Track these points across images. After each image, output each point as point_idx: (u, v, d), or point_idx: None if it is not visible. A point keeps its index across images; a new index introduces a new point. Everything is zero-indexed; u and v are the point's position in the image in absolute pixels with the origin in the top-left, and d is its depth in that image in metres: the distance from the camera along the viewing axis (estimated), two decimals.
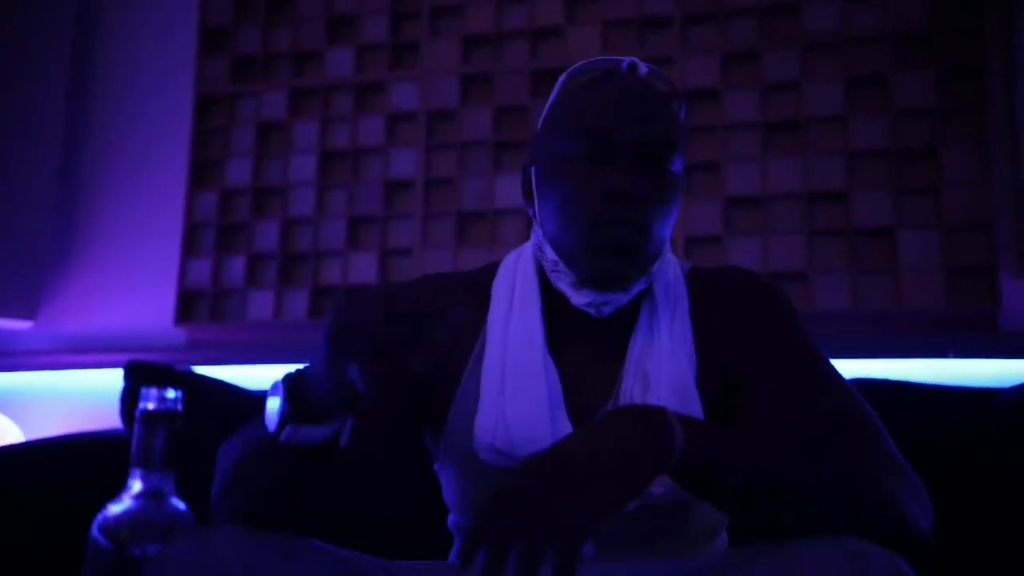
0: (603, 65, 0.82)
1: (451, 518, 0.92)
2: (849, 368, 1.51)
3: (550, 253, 0.83)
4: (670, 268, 0.87)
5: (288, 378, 0.68)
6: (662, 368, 0.81)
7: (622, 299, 0.81)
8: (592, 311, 0.81)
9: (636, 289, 0.81)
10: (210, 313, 1.95)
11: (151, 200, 2.09)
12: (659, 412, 0.66)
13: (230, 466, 0.74)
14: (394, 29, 2.01)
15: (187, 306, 1.98)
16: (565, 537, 0.59)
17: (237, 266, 1.97)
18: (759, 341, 0.83)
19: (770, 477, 0.67)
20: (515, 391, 0.81)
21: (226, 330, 1.95)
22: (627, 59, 0.82)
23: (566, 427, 0.80)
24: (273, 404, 0.68)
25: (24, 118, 2.08)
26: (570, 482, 0.61)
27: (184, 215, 2.01)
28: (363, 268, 1.90)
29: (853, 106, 1.71)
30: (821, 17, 1.75)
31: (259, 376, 1.79)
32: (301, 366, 0.70)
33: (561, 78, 0.86)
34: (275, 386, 0.69)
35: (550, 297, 0.86)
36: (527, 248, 0.90)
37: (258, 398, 1.50)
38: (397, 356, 0.63)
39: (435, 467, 0.90)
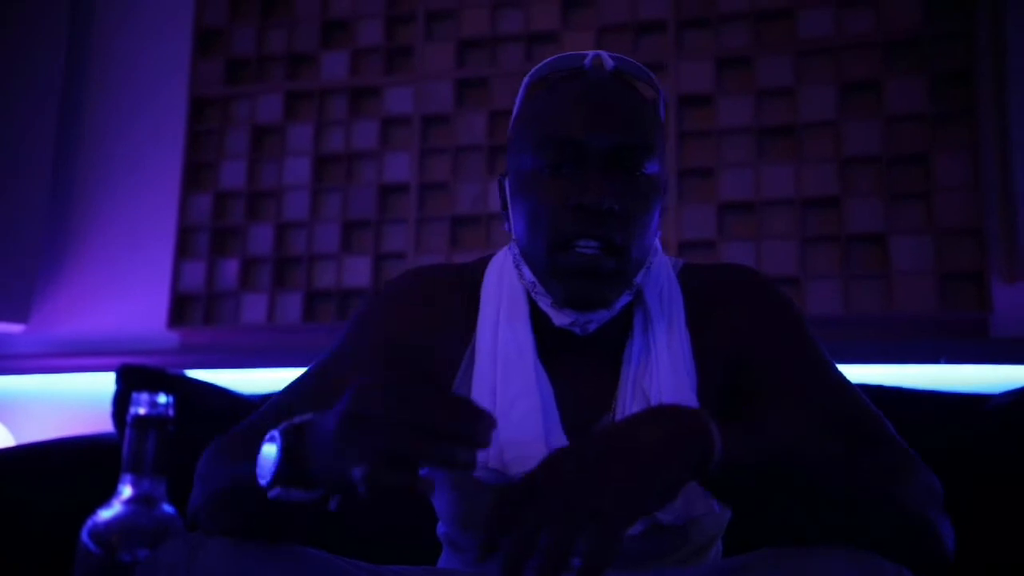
0: (566, 63, 0.78)
1: (440, 526, 0.91)
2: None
3: (527, 273, 0.78)
4: (662, 272, 0.83)
5: (287, 434, 0.63)
6: (662, 386, 0.77)
7: (607, 316, 0.76)
8: (576, 330, 0.76)
9: (621, 303, 0.76)
10: (203, 316, 1.95)
11: (144, 203, 2.09)
12: (696, 414, 0.62)
13: (212, 489, 0.71)
14: (389, 33, 2.01)
15: (180, 309, 1.97)
16: (603, 523, 0.55)
17: (230, 269, 1.97)
18: (763, 344, 0.79)
19: (808, 487, 0.63)
20: (507, 409, 0.77)
21: (219, 333, 1.95)
22: (591, 52, 0.77)
23: (562, 444, 0.76)
24: (268, 456, 0.63)
25: (17, 120, 2.07)
26: (611, 470, 0.57)
27: (177, 218, 2.01)
28: (357, 272, 1.90)
29: (846, 111, 1.71)
30: (814, 23, 1.75)
31: (252, 380, 1.78)
32: (302, 420, 0.64)
33: (524, 81, 0.81)
34: (272, 436, 0.63)
35: (536, 308, 0.81)
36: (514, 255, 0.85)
37: (251, 402, 1.50)
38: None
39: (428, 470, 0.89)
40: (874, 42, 1.71)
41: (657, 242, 0.81)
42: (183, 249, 2.00)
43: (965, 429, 1.31)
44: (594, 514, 0.55)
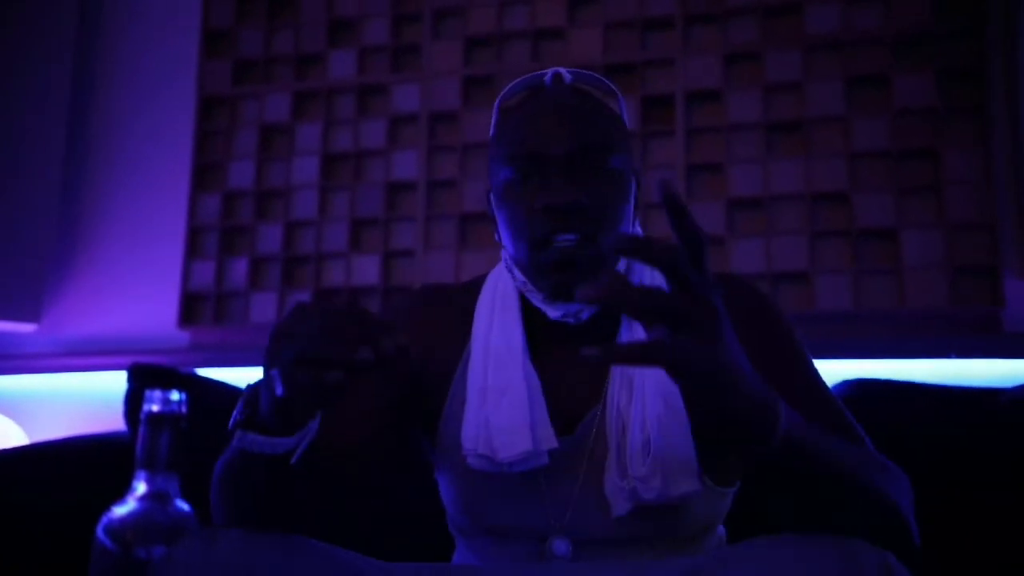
0: (528, 83, 0.86)
1: (450, 520, 0.93)
2: (852, 369, 1.51)
3: (519, 275, 0.85)
4: (646, 269, 0.86)
5: (249, 385, 0.68)
6: (647, 375, 0.81)
7: (595, 309, 0.81)
8: (571, 320, 0.82)
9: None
10: (213, 315, 1.95)
11: (153, 203, 2.09)
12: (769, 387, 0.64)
13: (216, 475, 0.74)
14: (395, 31, 2.01)
15: (190, 309, 1.98)
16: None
17: (240, 268, 1.97)
18: (750, 348, 0.81)
19: (842, 475, 0.67)
20: (496, 399, 0.82)
21: (229, 332, 1.96)
22: (552, 70, 0.85)
23: (548, 434, 0.81)
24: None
25: (27, 121, 2.08)
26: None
27: (187, 218, 2.02)
28: (365, 270, 1.90)
29: (855, 106, 1.71)
30: (822, 18, 1.75)
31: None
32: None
33: (495, 104, 0.89)
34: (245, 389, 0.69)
35: (530, 307, 0.86)
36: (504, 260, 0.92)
37: None
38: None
39: (435, 473, 0.92)
40: (883, 37, 1.70)
41: (639, 230, 0.88)
42: (192, 249, 2.00)
43: (977, 424, 1.31)
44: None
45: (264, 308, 1.93)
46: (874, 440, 0.84)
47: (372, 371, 0.59)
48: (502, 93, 0.88)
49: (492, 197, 0.88)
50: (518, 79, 0.87)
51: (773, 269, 1.68)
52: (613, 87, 0.87)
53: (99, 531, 0.62)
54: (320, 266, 1.93)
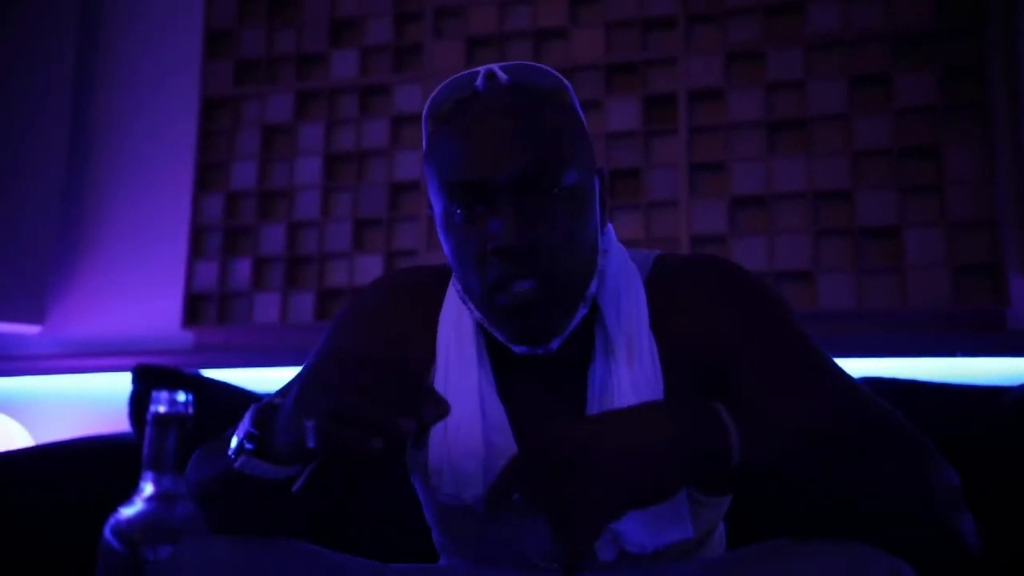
0: (458, 90, 0.73)
1: (435, 536, 0.90)
2: (855, 367, 1.51)
3: (474, 310, 0.75)
4: (620, 275, 0.78)
5: (259, 408, 0.67)
6: (625, 403, 0.73)
7: (563, 334, 0.73)
8: (540, 352, 0.73)
9: (577, 319, 0.73)
10: (217, 316, 1.96)
11: (157, 203, 2.10)
12: (711, 411, 0.60)
13: (201, 489, 0.72)
14: (398, 31, 2.01)
15: (194, 309, 1.99)
16: (579, 525, 0.56)
17: (243, 269, 1.98)
18: (739, 342, 0.75)
19: (828, 487, 0.62)
20: (455, 436, 0.77)
21: (233, 333, 1.96)
22: (484, 69, 0.73)
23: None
24: (239, 430, 0.67)
25: (29, 122, 2.09)
26: (594, 471, 0.57)
27: (190, 218, 2.02)
28: (369, 270, 1.90)
29: (856, 105, 1.71)
30: (824, 16, 1.75)
31: (266, 379, 1.79)
32: (271, 400, 0.68)
33: (424, 112, 0.76)
34: (249, 411, 0.67)
35: (495, 346, 0.78)
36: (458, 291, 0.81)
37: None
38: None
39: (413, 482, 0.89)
40: (884, 35, 1.70)
41: (611, 239, 0.78)
42: (196, 249, 2.01)
43: (982, 422, 1.31)
44: (567, 516, 0.56)
45: (267, 308, 1.94)
46: None
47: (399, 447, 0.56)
48: (429, 99, 0.75)
49: (434, 216, 0.77)
50: (446, 81, 0.74)
51: (775, 268, 1.68)
52: (558, 76, 0.75)
53: (106, 532, 0.62)
54: (323, 266, 1.94)
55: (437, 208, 0.74)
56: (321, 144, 1.99)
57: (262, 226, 1.99)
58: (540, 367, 0.77)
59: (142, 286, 2.06)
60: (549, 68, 0.75)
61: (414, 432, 0.56)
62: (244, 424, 0.67)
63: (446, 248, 0.74)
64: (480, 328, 0.79)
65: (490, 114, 0.70)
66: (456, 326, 0.80)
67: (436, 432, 0.78)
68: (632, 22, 1.86)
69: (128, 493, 0.67)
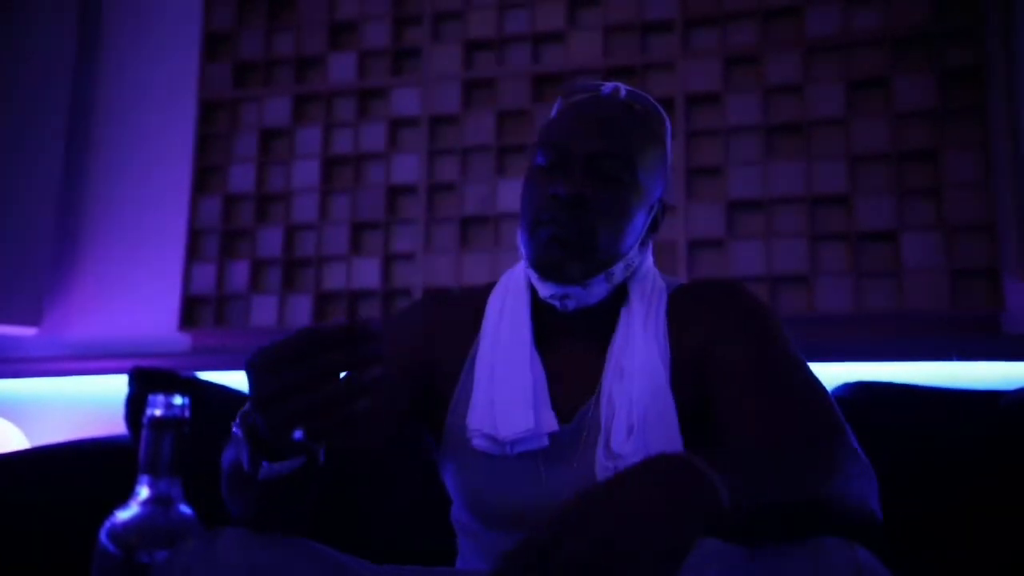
0: (590, 86, 0.94)
1: (452, 511, 0.95)
2: (853, 371, 1.52)
3: (524, 252, 0.89)
4: (649, 278, 0.93)
5: (244, 421, 0.66)
6: (635, 360, 0.86)
7: (584, 296, 0.87)
8: (556, 303, 0.87)
9: (597, 289, 0.87)
10: (214, 319, 1.95)
11: (154, 206, 2.10)
12: (698, 470, 0.59)
13: (223, 478, 0.75)
14: (396, 34, 2.01)
15: (191, 312, 1.98)
16: None
17: (241, 272, 1.97)
18: (729, 344, 0.86)
19: (785, 505, 0.64)
20: (503, 380, 0.87)
21: (230, 335, 1.96)
22: (612, 84, 0.92)
23: (549, 417, 0.85)
24: (239, 446, 0.67)
25: (27, 124, 2.08)
26: (621, 536, 0.53)
27: (188, 221, 2.02)
28: (366, 273, 1.90)
29: (854, 108, 1.71)
30: (822, 20, 1.75)
31: None
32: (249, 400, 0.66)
33: (561, 95, 0.95)
34: (233, 427, 0.67)
35: (539, 302, 0.92)
36: (521, 264, 0.96)
37: None
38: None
39: (440, 468, 0.94)
40: (882, 39, 1.71)
41: (648, 256, 0.94)
42: (193, 252, 2.01)
43: (979, 425, 1.31)
44: None
45: (265, 311, 1.93)
46: (875, 443, 0.84)
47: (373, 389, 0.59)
48: (569, 86, 0.95)
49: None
50: (586, 79, 0.97)
51: (773, 272, 1.68)
52: (662, 113, 0.93)
53: (102, 535, 0.62)
54: (321, 269, 1.94)
55: (531, 163, 0.91)
56: (319, 147, 1.99)
57: (259, 229, 1.99)
58: (571, 334, 0.91)
59: (139, 288, 2.06)
60: (659, 106, 0.94)
61: (369, 389, 0.59)
62: (237, 435, 0.67)
63: (523, 195, 0.90)
64: (531, 291, 0.92)
65: (598, 109, 0.90)
66: (511, 293, 0.94)
67: (482, 376, 0.88)
68: (630, 26, 1.86)
69: (124, 496, 0.66)
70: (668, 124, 0.94)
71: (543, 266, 0.86)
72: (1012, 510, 1.24)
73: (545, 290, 0.87)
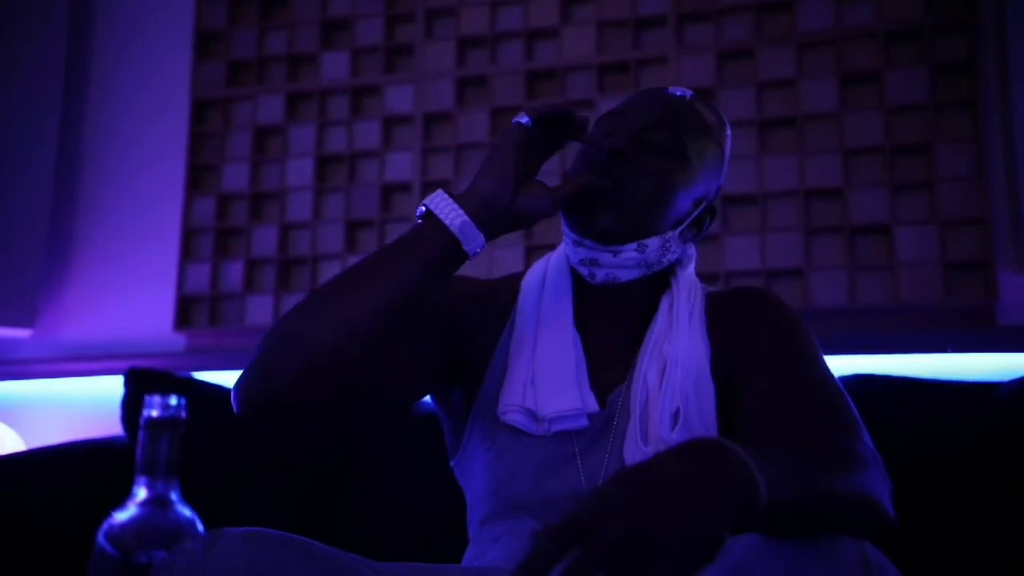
0: (665, 86, 0.96)
1: (472, 515, 0.92)
2: (847, 364, 1.52)
3: (564, 221, 0.90)
4: (687, 278, 0.93)
5: (470, 199, 0.82)
6: (680, 353, 0.86)
7: (614, 266, 0.86)
8: (584, 271, 0.88)
9: (627, 258, 0.86)
10: (209, 318, 1.95)
11: (148, 205, 2.09)
12: (739, 457, 0.58)
13: (290, 328, 0.80)
14: (389, 32, 2.01)
15: (186, 312, 1.98)
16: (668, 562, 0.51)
17: (235, 271, 1.97)
18: (758, 342, 0.88)
19: (816, 502, 0.64)
20: (547, 357, 0.87)
21: (225, 335, 1.95)
22: (691, 91, 0.94)
23: (589, 397, 0.86)
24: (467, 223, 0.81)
25: (19, 125, 2.08)
26: (657, 524, 0.52)
27: (181, 220, 2.01)
28: None
29: (847, 103, 1.71)
30: (814, 14, 1.75)
31: None
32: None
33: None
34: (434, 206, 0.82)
35: (579, 283, 0.92)
36: (561, 246, 0.96)
37: None
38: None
39: (460, 466, 0.93)
40: (875, 33, 1.71)
41: (693, 255, 0.94)
42: (187, 251, 2.00)
43: (974, 418, 1.32)
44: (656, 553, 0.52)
45: (260, 311, 1.93)
46: (871, 435, 0.84)
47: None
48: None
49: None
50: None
51: (767, 266, 1.68)
52: (727, 124, 0.94)
53: (100, 537, 0.62)
54: (315, 268, 1.93)
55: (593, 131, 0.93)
56: (312, 145, 1.99)
57: (254, 228, 1.98)
58: (610, 315, 0.92)
59: (133, 289, 2.05)
60: (723, 115, 0.95)
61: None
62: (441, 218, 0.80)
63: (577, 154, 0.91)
64: (571, 269, 0.93)
65: (664, 98, 0.91)
66: (551, 270, 0.94)
67: (522, 350, 0.89)
68: (623, 21, 1.86)
69: (121, 498, 0.66)
70: (730, 136, 0.94)
71: (572, 209, 0.85)
72: (1008, 501, 1.25)
73: (576, 255, 0.87)
